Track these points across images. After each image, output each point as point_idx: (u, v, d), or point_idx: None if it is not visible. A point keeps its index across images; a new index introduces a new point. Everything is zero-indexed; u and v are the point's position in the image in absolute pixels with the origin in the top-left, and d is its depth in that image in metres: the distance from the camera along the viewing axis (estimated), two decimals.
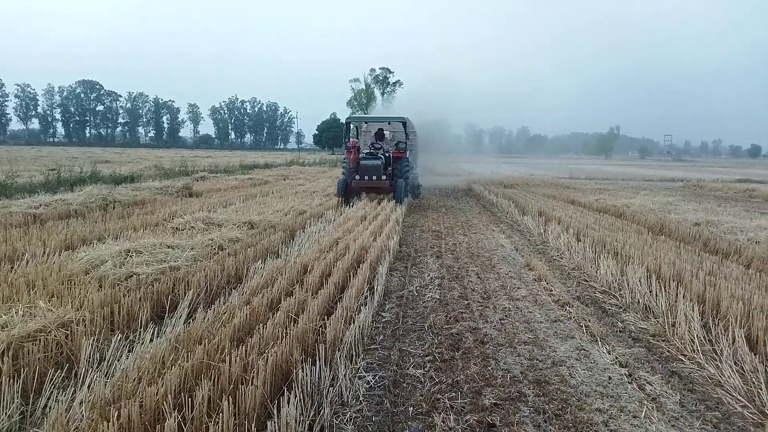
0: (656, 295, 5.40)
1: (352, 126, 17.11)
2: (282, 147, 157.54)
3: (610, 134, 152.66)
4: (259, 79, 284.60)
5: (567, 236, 9.00)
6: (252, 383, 3.05)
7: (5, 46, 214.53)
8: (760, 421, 3.28)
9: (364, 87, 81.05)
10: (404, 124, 15.79)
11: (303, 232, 9.12)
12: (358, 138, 18.38)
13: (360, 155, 15.05)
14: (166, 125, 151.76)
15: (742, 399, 3.52)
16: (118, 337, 3.89)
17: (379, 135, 16.36)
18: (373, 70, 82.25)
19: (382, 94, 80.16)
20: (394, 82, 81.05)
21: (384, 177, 14.55)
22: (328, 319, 4.40)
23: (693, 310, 4.73)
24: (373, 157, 14.70)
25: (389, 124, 17.29)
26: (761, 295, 5.20)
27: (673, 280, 5.67)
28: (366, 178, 14.48)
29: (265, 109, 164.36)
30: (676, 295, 5.21)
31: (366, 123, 18.78)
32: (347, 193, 14.59)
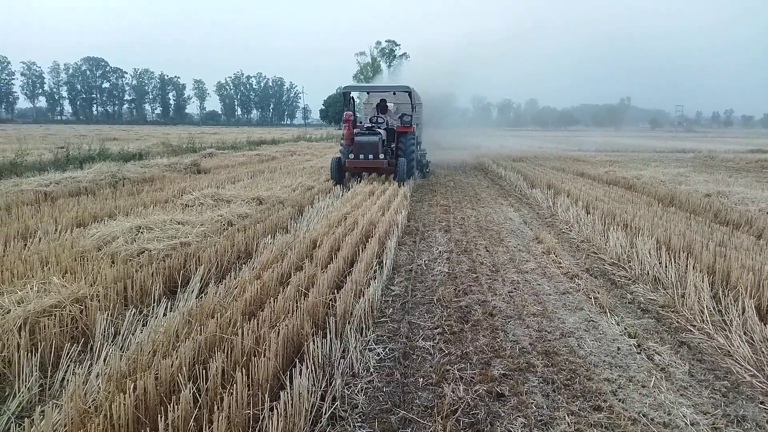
0: (666, 267, 5.39)
1: (353, 97, 15.02)
2: (289, 123, 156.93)
3: (620, 105, 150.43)
4: (264, 53, 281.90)
5: (576, 209, 8.96)
6: (264, 355, 3.10)
7: (8, 22, 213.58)
8: None
9: (370, 60, 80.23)
10: (409, 94, 14.36)
11: (311, 207, 9.14)
12: (360, 111, 17.28)
13: (355, 130, 13.07)
14: (172, 102, 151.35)
15: (752, 368, 3.53)
16: (132, 312, 3.95)
17: (382, 107, 14.77)
18: (379, 42, 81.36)
19: (389, 67, 79.35)
20: (400, 55, 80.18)
21: (382, 155, 12.65)
22: (338, 293, 4.44)
23: (703, 281, 4.72)
24: (370, 133, 12.82)
25: (394, 94, 15.65)
26: None
27: (683, 251, 5.65)
28: (361, 156, 12.50)
29: (270, 84, 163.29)
30: (686, 266, 5.20)
31: (368, 93, 17.20)
32: (341, 174, 12.78)
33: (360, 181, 12.66)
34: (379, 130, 13.23)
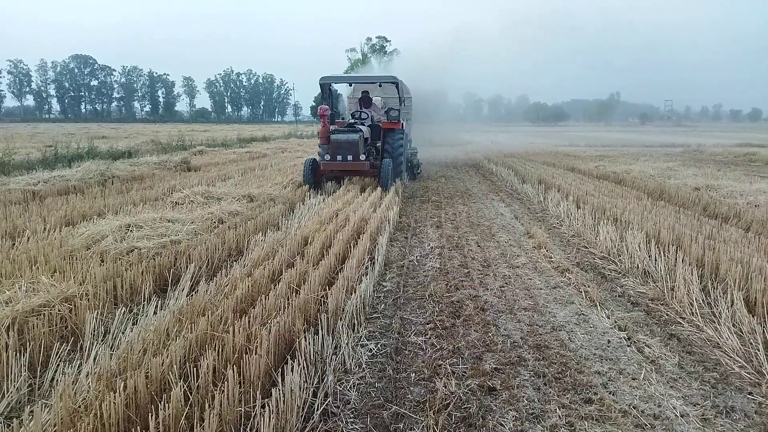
0: (655, 260, 5.43)
1: (333, 89, 13.17)
2: (279, 119, 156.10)
3: (610, 100, 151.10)
4: (253, 49, 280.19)
5: (566, 203, 9.00)
6: (256, 352, 3.09)
7: None
8: (756, 380, 3.33)
9: (360, 56, 79.96)
10: (396, 85, 12.65)
11: (303, 204, 9.12)
12: (343, 106, 16.03)
13: (332, 127, 11.37)
14: (161, 99, 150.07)
15: (740, 360, 3.57)
16: (122, 311, 3.93)
17: (365, 100, 13.09)
18: (369, 38, 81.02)
19: (380, 63, 79.12)
20: (391, 51, 79.93)
21: (364, 156, 10.93)
22: (329, 290, 4.43)
23: (692, 274, 4.76)
24: (349, 130, 11.12)
25: (379, 86, 14.17)
26: (760, 257, 5.22)
27: (673, 245, 5.69)
28: (339, 158, 10.79)
29: (261, 81, 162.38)
30: (675, 259, 5.24)
31: (350, 85, 15.60)
32: (316, 178, 11.08)
33: (342, 185, 11.41)
34: (360, 126, 11.58)
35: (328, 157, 10.92)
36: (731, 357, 3.62)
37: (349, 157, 10.79)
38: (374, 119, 12.69)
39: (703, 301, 4.47)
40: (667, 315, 4.44)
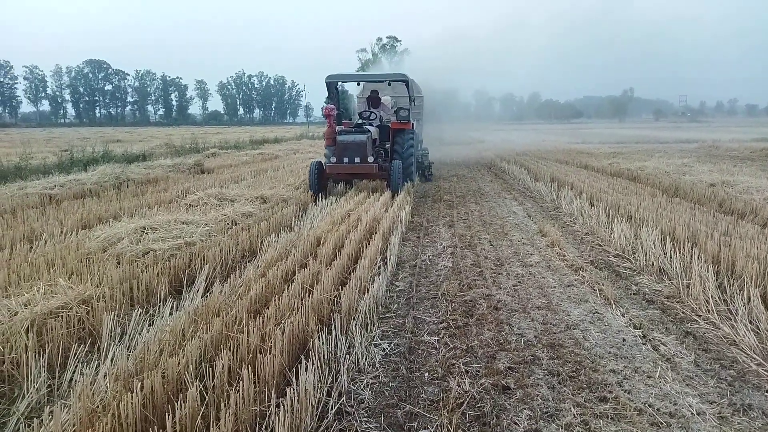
0: (671, 257, 5.38)
1: (340, 89, 12.55)
2: (291, 121, 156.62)
3: (623, 96, 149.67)
4: (265, 51, 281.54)
5: (580, 201, 8.94)
6: (270, 352, 3.11)
7: (12, 27, 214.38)
8: None
9: (371, 56, 79.97)
10: (406, 84, 12.06)
11: (315, 205, 9.16)
12: (354, 106, 15.71)
13: (339, 128, 10.86)
14: (174, 103, 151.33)
15: (758, 357, 3.52)
16: (138, 312, 3.97)
17: (373, 99, 12.54)
18: (380, 39, 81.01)
19: (390, 63, 79.05)
20: (401, 51, 79.83)
21: (372, 158, 10.28)
22: (342, 290, 4.45)
23: (708, 271, 4.71)
24: (357, 131, 10.48)
25: (389, 85, 13.27)
26: None
27: (688, 242, 5.63)
28: (345, 160, 10.14)
29: (272, 83, 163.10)
30: (691, 256, 5.18)
31: (358, 84, 14.94)
32: (321, 182, 10.42)
33: (353, 185, 11.35)
34: (368, 127, 11.00)
35: (334, 159, 10.38)
36: (748, 354, 3.58)
37: (357, 159, 10.17)
38: (383, 119, 12.22)
39: (719, 298, 4.42)
40: (683, 312, 4.40)
